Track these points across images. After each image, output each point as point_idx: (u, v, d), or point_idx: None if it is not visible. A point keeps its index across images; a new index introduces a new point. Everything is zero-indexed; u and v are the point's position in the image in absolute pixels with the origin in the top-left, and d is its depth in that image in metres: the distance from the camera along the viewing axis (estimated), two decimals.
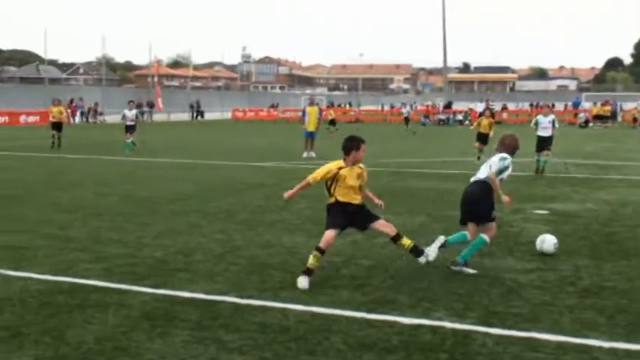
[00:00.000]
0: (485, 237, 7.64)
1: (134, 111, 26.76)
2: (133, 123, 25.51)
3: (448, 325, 5.72)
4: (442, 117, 57.19)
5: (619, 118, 53.71)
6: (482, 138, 21.50)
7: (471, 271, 7.45)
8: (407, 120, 47.92)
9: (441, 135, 38.98)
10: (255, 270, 7.52)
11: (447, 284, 6.96)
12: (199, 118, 67.22)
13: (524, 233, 9.68)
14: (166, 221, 10.52)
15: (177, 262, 7.86)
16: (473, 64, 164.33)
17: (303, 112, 24.42)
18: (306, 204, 12.15)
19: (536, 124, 18.14)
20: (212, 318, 5.86)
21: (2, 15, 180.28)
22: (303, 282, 6.83)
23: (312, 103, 24.90)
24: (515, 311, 6.10)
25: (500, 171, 7.80)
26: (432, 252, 7.51)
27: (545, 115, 18.10)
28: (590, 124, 50.81)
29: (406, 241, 7.30)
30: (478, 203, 7.68)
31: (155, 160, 21.26)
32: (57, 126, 26.25)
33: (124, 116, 26.28)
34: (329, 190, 7.50)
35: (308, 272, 6.92)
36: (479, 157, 19.96)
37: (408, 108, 54.29)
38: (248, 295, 6.51)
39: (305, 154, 22.52)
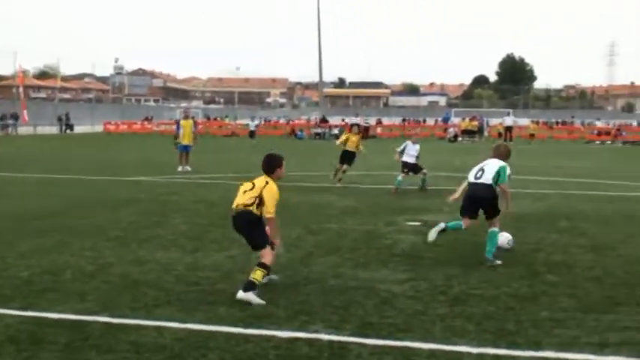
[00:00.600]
0: (496, 229, 8.92)
1: None
2: None
3: (325, 337, 5.79)
4: (318, 131, 57.90)
5: (485, 133, 56.22)
6: (349, 157, 18.58)
7: (498, 262, 8.66)
8: (252, 133, 48.54)
9: (318, 149, 39.47)
10: (127, 288, 7.33)
11: (324, 297, 7.04)
12: (68, 131, 64.84)
13: (397, 245, 9.95)
14: (33, 239, 10.06)
15: (45, 282, 7.54)
16: (348, 79, 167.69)
17: (178, 125, 24.06)
18: (181, 219, 11.98)
19: (403, 150, 17.44)
20: (82, 339, 5.65)
21: None
22: (254, 299, 6.69)
23: (186, 117, 24.55)
24: (389, 321, 6.25)
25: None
26: (432, 234, 8.83)
27: (415, 142, 17.53)
28: (459, 139, 52.94)
29: (254, 274, 6.85)
30: (493, 205, 8.88)
31: (20, 176, 20.31)
32: None
33: None
34: (257, 207, 7.14)
35: (253, 286, 6.74)
36: (340, 179, 18.11)
37: (256, 122, 55.33)
38: (120, 314, 6.33)
39: (180, 169, 22.19)
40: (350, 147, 18.61)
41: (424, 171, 17.24)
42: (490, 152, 9.40)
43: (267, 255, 7.01)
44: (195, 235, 10.54)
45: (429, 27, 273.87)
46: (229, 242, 9.89)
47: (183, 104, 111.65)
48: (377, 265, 8.56)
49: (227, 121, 72.52)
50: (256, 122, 53.89)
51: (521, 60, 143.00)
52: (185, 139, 23.01)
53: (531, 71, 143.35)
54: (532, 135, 55.84)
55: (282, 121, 74.14)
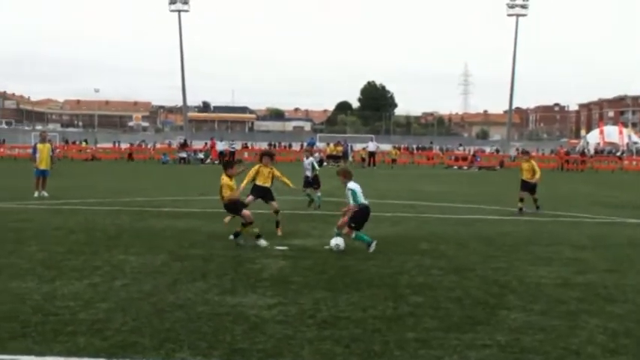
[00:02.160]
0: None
1: None
2: None
3: None
4: (183, 155, 57.18)
5: (350, 158, 57.55)
6: (263, 193, 14.13)
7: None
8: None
9: (182, 173, 38.92)
10: None
11: (191, 324, 6.91)
12: None
13: (265, 269, 9.94)
14: None
15: None
16: (213, 104, 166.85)
17: (34, 149, 23.03)
18: (38, 247, 11.44)
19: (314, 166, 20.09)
20: None
21: None
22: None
23: (43, 140, 23.56)
24: (259, 347, 6.22)
25: None
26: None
27: (307, 157, 20.68)
28: (325, 164, 53.86)
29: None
30: None
31: None
32: None
33: None
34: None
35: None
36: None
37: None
38: None
39: (37, 194, 21.21)
40: (261, 182, 14.10)
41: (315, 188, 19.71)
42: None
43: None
44: (53, 263, 10.07)
45: (293, 51, 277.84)
46: (90, 270, 9.55)
47: (39, 127, 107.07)
48: (245, 290, 8.50)
49: (84, 145, 70.21)
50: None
51: (382, 87, 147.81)
52: (42, 164, 22.07)
53: (392, 98, 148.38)
54: (394, 160, 57.75)
55: (149, 145, 72.52)
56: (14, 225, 14.20)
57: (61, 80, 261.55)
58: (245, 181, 13.70)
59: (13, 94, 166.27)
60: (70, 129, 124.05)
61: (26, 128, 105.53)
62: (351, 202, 11.52)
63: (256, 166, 14.18)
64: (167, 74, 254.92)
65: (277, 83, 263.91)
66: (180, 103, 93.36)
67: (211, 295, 8.19)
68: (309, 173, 19.84)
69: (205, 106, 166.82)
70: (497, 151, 79.12)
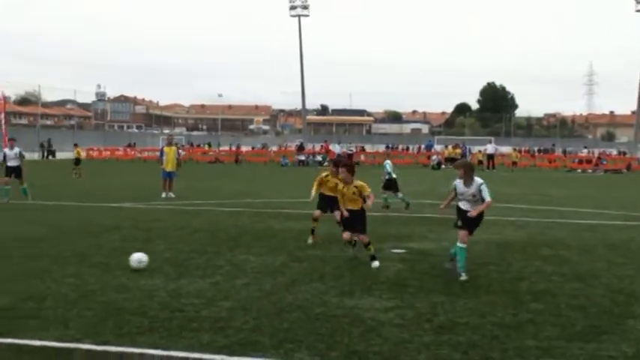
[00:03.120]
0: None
1: (16, 149, 22.19)
2: (17, 164, 21.53)
3: None
4: (302, 158, 58.04)
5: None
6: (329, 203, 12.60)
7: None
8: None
9: (301, 176, 39.49)
10: (110, 315, 7.25)
11: (309, 324, 7.00)
12: (50, 157, 64.55)
13: (382, 272, 9.93)
14: (14, 266, 9.96)
15: (27, 309, 7.45)
16: (331, 107, 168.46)
17: (161, 152, 24.02)
18: (164, 246, 11.92)
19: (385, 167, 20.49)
20: None
21: None
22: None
23: (169, 143, 24.52)
24: (375, 350, 6.22)
25: None
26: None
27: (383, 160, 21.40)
28: (443, 166, 53.22)
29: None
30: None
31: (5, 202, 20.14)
32: None
33: (4, 157, 22.31)
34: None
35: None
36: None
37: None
38: (103, 342, 6.26)
39: (164, 195, 22.12)
40: (327, 191, 12.63)
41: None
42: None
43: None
44: (178, 261, 10.48)
45: (410, 53, 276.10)
46: (213, 269, 9.86)
47: (166, 131, 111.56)
48: (362, 293, 8.53)
49: (208, 147, 72.52)
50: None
51: (502, 88, 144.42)
52: (168, 166, 22.95)
53: (512, 99, 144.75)
54: (514, 163, 56.27)
55: (274, 148, 73.94)
56: (144, 225, 14.87)
57: (187, 86, 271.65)
58: (313, 189, 12.90)
59: (143, 100, 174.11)
60: (195, 132, 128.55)
61: (154, 132, 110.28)
62: (487, 197, 9.72)
63: (323, 174, 12.85)
64: (287, 78, 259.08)
65: (395, 86, 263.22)
66: (299, 107, 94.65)
67: (329, 297, 8.27)
68: (388, 176, 20.25)
69: (323, 109, 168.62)
70: (624, 153, 75.65)
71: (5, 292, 8.23)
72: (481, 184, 9.80)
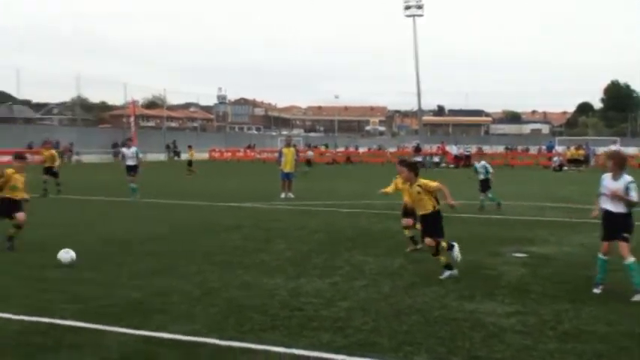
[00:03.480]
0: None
1: (133, 149, 23.54)
2: (134, 163, 22.86)
3: None
4: (418, 159, 57.60)
5: (592, 162, 54.40)
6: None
7: None
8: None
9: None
10: (233, 312, 7.44)
11: (429, 328, 6.92)
12: (176, 158, 67.12)
13: (503, 276, 9.69)
14: (142, 262, 10.42)
15: (155, 303, 7.76)
16: (447, 107, 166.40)
17: (280, 153, 24.46)
18: (284, 245, 12.12)
19: (475, 170, 20.38)
20: None
21: None
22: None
23: (288, 145, 24.90)
24: (497, 356, 6.08)
25: None
26: None
27: (478, 161, 20.69)
28: (565, 168, 51.41)
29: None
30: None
31: (129, 200, 21.09)
32: (51, 172, 23.47)
33: (123, 156, 23.80)
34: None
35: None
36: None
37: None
38: (228, 337, 6.43)
39: (283, 195, 22.51)
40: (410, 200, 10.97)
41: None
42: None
43: None
44: (297, 261, 10.62)
45: (529, 52, 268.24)
46: (331, 270, 9.93)
47: (284, 132, 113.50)
48: (482, 297, 8.35)
49: (325, 149, 73.23)
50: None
51: (627, 86, 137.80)
52: (287, 167, 23.31)
53: (638, 98, 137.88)
54: None
55: (391, 150, 73.77)
56: (264, 224, 15.18)
57: (304, 88, 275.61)
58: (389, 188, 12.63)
59: (262, 102, 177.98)
60: (312, 134, 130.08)
61: (273, 133, 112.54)
62: (635, 197, 8.51)
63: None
64: (402, 79, 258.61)
65: (513, 85, 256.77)
66: (415, 107, 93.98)
67: (448, 300, 8.15)
68: (482, 177, 19.90)
69: (440, 110, 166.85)
70: None
71: (135, 287, 8.61)
72: (630, 181, 8.56)
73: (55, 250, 11.04)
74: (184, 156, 67.83)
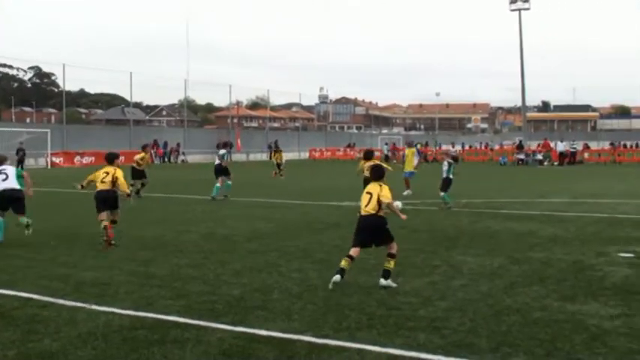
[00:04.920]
0: None
1: (222, 151, 23.99)
2: (221, 164, 22.74)
3: None
4: (521, 157, 56.07)
5: None
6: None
7: None
8: (387, 158, 50.55)
9: (520, 175, 38.21)
10: (331, 310, 7.50)
11: (528, 329, 6.76)
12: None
13: (608, 277, 9.34)
14: (244, 259, 10.65)
15: (255, 300, 7.93)
16: (552, 102, 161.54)
17: (392, 152, 24.97)
18: None
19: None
20: (288, 357, 5.87)
21: (90, 62, 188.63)
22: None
23: (410, 145, 25.85)
24: (599, 359, 5.87)
25: None
26: None
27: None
28: None
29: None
30: None
31: (234, 199, 21.58)
32: (141, 174, 23.08)
33: (224, 157, 23.50)
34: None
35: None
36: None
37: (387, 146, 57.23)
38: (324, 335, 6.49)
39: (405, 193, 22.71)
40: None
41: None
42: None
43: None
44: (396, 260, 10.56)
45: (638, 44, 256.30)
46: (430, 269, 9.85)
47: (384, 131, 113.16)
48: (585, 298, 8.08)
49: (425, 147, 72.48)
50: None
51: None
52: (408, 167, 24.04)
53: None
54: None
55: (497, 146, 72.24)
56: None
57: (405, 86, 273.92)
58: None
59: (363, 101, 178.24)
60: (413, 132, 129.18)
61: (373, 132, 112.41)
62: None
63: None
64: (506, 75, 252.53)
65: (623, 78, 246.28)
66: (518, 104, 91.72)
67: (549, 301, 7.93)
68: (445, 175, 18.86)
69: (545, 106, 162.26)
70: None
71: (236, 283, 8.82)
72: None
73: (160, 247, 11.47)
74: (286, 155, 68.86)
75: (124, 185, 12.41)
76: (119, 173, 12.28)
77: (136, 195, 20.72)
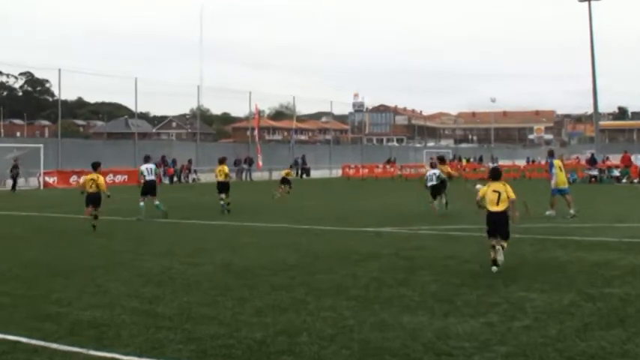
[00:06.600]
0: None
1: (149, 165, 25.35)
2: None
3: None
4: (594, 173, 55.54)
5: None
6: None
7: None
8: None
9: (593, 195, 37.84)
10: (369, 355, 7.44)
11: None
12: (304, 176, 68.22)
13: None
14: (267, 296, 10.62)
15: (280, 344, 7.89)
16: (630, 109, 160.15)
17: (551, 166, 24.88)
18: (431, 277, 12.01)
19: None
20: None
21: (89, 66, 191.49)
22: None
23: (551, 154, 26.99)
24: None
25: None
26: None
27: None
28: None
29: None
30: None
31: (254, 225, 21.63)
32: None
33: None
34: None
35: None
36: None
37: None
38: None
39: (547, 213, 23.16)
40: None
41: None
42: None
43: None
44: (445, 296, 10.49)
45: None
46: (486, 307, 9.74)
47: (431, 144, 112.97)
48: None
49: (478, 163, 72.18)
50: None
51: None
52: (560, 183, 24.25)
53: None
54: None
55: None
56: (406, 253, 15.12)
57: (454, 91, 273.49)
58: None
59: (405, 109, 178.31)
60: (464, 144, 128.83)
61: (417, 145, 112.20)
62: None
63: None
64: (575, 77, 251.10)
65: None
66: (590, 110, 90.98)
67: (631, 346, 7.78)
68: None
69: (621, 113, 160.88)
70: None
71: (257, 325, 8.79)
72: None
73: (168, 282, 11.48)
74: (315, 174, 69.00)
75: (103, 186, 20.37)
76: (101, 180, 20.37)
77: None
